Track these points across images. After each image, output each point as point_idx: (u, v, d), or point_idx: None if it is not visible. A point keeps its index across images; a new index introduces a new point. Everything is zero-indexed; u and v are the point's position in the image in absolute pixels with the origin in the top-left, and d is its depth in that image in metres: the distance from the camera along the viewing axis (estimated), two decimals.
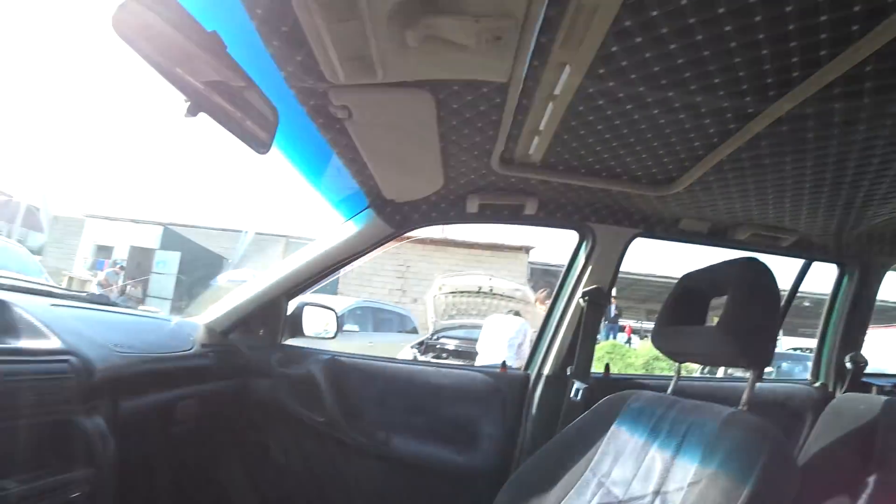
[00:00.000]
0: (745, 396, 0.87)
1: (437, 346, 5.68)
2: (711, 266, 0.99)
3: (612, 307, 9.41)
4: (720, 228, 1.47)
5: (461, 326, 5.76)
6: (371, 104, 0.87)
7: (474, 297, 5.86)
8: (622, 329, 12.04)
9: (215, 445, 1.34)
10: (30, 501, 0.68)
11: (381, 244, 1.38)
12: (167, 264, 14.51)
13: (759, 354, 0.85)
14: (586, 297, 1.43)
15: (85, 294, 1.36)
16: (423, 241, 12.18)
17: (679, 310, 1.04)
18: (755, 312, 0.85)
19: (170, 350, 1.17)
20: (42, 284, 1.37)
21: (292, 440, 1.42)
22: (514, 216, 1.41)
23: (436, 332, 6.03)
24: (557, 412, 1.42)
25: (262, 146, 0.76)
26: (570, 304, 1.47)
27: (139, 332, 1.16)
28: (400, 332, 8.35)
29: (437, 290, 5.91)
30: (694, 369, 4.67)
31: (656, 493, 0.84)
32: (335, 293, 10.31)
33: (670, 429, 0.91)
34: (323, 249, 1.36)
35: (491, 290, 5.77)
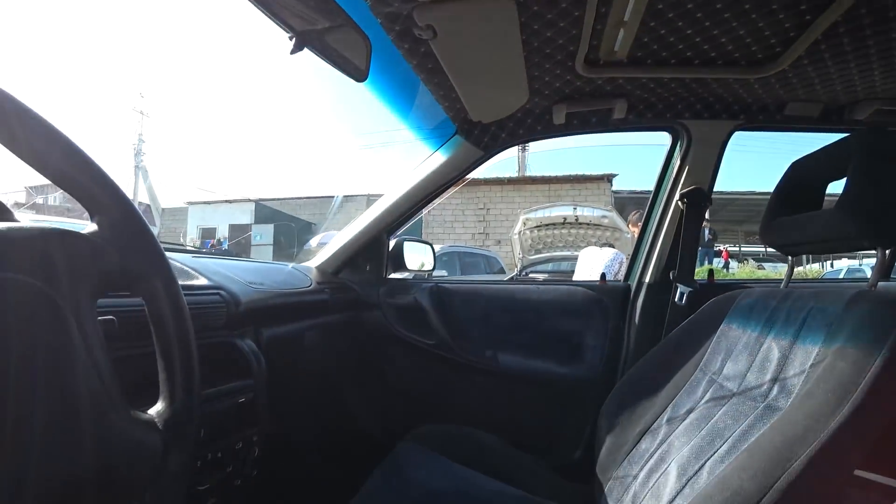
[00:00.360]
0: (872, 277, 0.79)
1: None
2: (825, 147, 0.89)
3: (707, 230, 8.81)
4: (835, 109, 1.32)
5: (549, 260, 5.70)
6: (454, 19, 0.88)
7: (560, 228, 5.73)
8: (718, 254, 11.35)
9: (337, 371, 1.49)
10: (213, 403, 0.81)
11: (472, 169, 1.40)
12: (263, 236, 15.72)
13: (888, 230, 0.76)
14: (685, 200, 1.37)
15: (213, 251, 1.54)
16: (500, 182, 12.08)
17: (790, 200, 0.95)
18: (883, 184, 0.75)
19: (293, 287, 1.30)
20: (178, 244, 1.57)
21: (405, 363, 1.55)
22: (602, 123, 1.36)
23: (524, 268, 5.98)
24: (661, 319, 1.40)
25: (360, 74, 0.80)
26: (669, 209, 1.42)
27: (265, 273, 1.30)
28: (487, 273, 8.50)
29: (522, 226, 5.84)
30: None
31: (774, 380, 0.80)
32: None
33: (787, 318, 0.85)
34: (416, 182, 1.41)
35: (577, 219, 5.60)
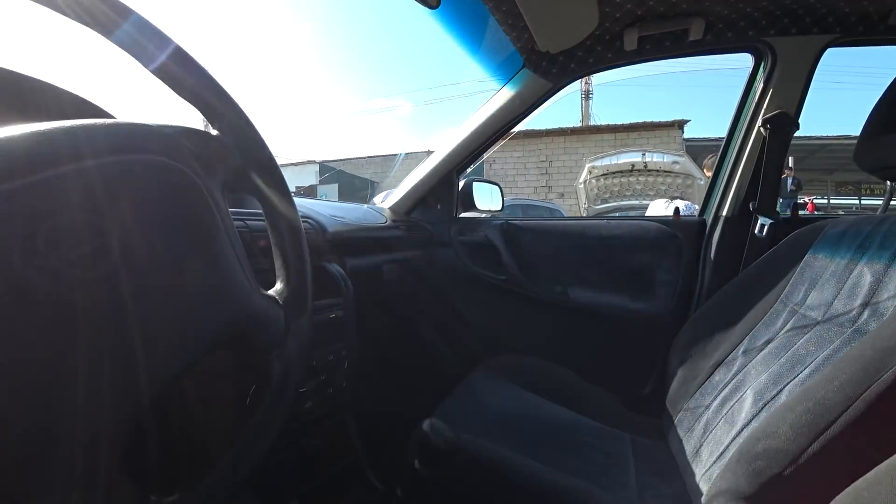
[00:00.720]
0: None
1: None
2: None
3: (790, 179, 8.09)
4: None
5: (616, 210, 5.53)
6: None
7: (628, 176, 5.51)
8: (802, 205, 10.47)
9: (413, 304, 1.57)
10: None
11: (541, 103, 1.39)
12: (328, 196, 16.26)
13: None
14: (768, 125, 1.29)
15: (293, 190, 1.64)
16: (563, 133, 11.68)
17: (892, 118, 0.85)
18: None
19: (373, 223, 1.38)
20: None
21: (477, 298, 1.60)
22: (677, 45, 1.29)
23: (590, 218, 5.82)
24: (738, 254, 1.35)
25: (433, 1, 0.83)
26: (749, 136, 1.34)
27: (345, 210, 1.38)
28: None
29: (587, 175, 5.67)
30: None
31: (865, 304, 0.76)
32: None
33: (882, 242, 0.80)
34: (484, 119, 1.43)
35: (646, 166, 5.36)
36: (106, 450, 0.30)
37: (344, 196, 16.07)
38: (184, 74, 0.45)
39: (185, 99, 0.47)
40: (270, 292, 0.51)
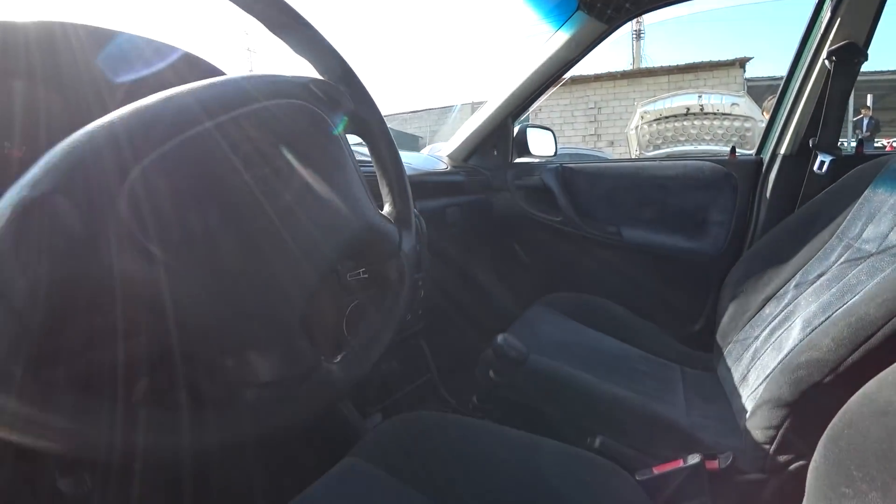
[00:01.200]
0: None
1: None
2: None
3: (866, 120, 7.48)
4: None
5: (669, 157, 5.31)
6: None
7: (682, 120, 5.25)
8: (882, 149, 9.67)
9: (473, 245, 1.66)
10: None
11: (595, 45, 1.40)
12: None
13: None
14: (833, 57, 1.24)
15: None
16: (613, 77, 11.19)
17: None
18: None
19: (435, 169, 1.47)
20: None
21: (534, 239, 1.68)
22: None
23: None
24: (796, 192, 1.34)
25: None
26: (813, 70, 1.30)
27: (409, 157, 1.47)
28: None
29: (639, 120, 5.45)
30: None
31: None
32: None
33: None
34: (538, 65, 1.45)
35: (702, 109, 5.07)
36: (294, 316, 0.42)
37: None
38: (303, 36, 0.55)
39: (303, 56, 0.57)
40: (384, 212, 0.62)
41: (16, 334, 0.27)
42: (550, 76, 1.47)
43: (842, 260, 0.91)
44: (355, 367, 0.49)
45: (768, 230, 1.20)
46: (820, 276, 0.95)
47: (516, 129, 1.66)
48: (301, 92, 0.49)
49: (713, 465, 0.70)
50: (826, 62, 1.27)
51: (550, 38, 1.44)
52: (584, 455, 0.62)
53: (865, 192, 0.96)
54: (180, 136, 0.36)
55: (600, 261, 1.60)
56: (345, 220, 0.50)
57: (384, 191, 0.63)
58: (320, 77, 0.57)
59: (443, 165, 1.55)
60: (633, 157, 5.63)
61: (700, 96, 5.09)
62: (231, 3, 0.48)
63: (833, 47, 1.25)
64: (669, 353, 1.24)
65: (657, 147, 5.43)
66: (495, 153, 1.67)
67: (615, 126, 11.27)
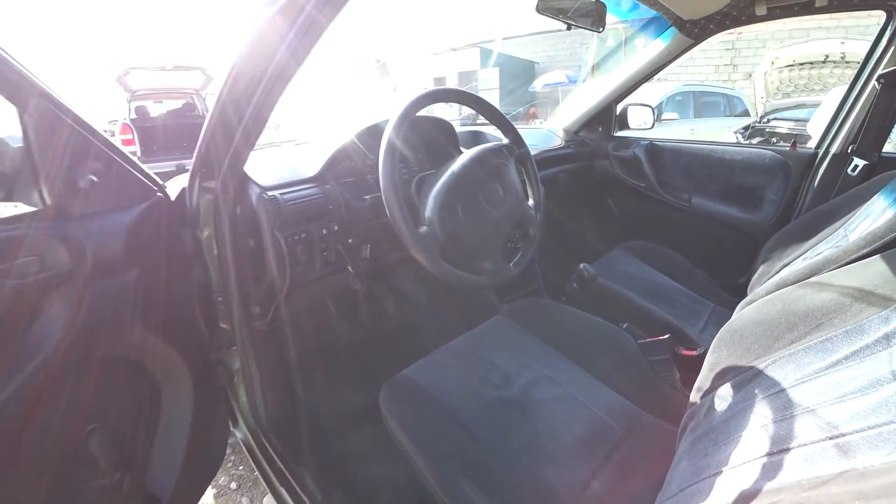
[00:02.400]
0: None
1: (766, 131, 5.11)
2: None
3: None
4: None
5: (798, 106, 5.05)
6: None
7: (819, 68, 4.83)
8: None
9: (576, 204, 2.21)
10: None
11: (683, 54, 1.79)
12: (489, 80, 16.41)
13: None
14: (881, 80, 1.48)
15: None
16: None
17: None
18: None
19: (550, 146, 2.02)
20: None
21: (623, 199, 2.18)
22: (805, 9, 1.52)
23: (766, 113, 5.45)
24: (833, 186, 1.61)
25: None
26: (866, 87, 1.57)
27: (533, 137, 2.03)
28: (727, 115, 7.77)
29: (770, 65, 5.11)
30: None
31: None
32: (652, 80, 9.98)
33: None
34: (639, 65, 1.89)
35: (843, 57, 4.60)
36: (500, 246, 1.08)
37: (505, 78, 16.12)
38: (498, 116, 1.17)
39: (494, 125, 1.18)
40: (530, 204, 1.23)
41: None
42: (646, 75, 1.91)
43: (837, 243, 1.09)
44: (515, 270, 1.14)
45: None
46: (818, 253, 1.12)
47: (619, 108, 2.12)
48: (505, 152, 1.12)
49: (691, 352, 1.27)
50: (875, 83, 1.53)
51: (649, 45, 1.86)
52: (618, 330, 1.22)
53: (873, 197, 1.11)
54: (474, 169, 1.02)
55: (672, 220, 2.07)
56: (516, 206, 1.13)
57: (530, 191, 1.24)
58: (506, 140, 1.18)
59: (559, 140, 2.08)
60: (759, 102, 5.41)
61: (843, 42, 4.62)
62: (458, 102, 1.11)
63: (884, 71, 1.50)
64: (709, 295, 1.67)
65: (787, 95, 5.12)
66: (600, 129, 2.16)
67: (756, 56, 10.33)
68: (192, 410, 1.02)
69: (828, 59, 4.70)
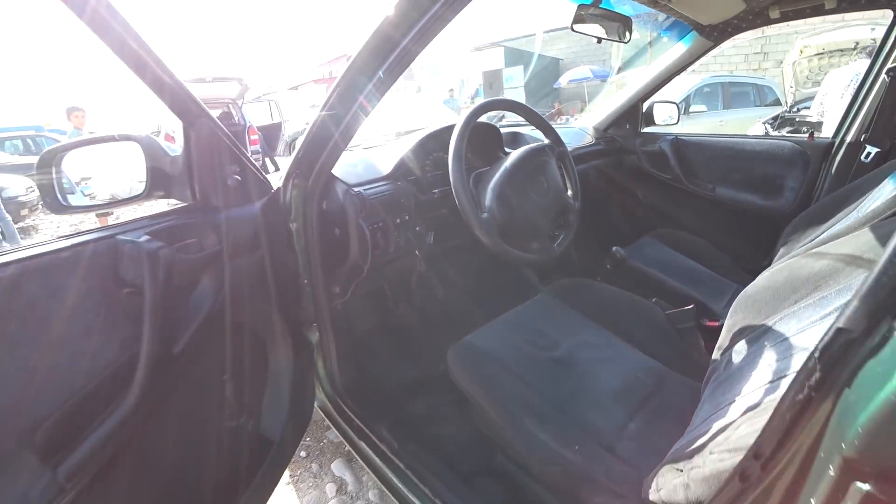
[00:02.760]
0: None
1: (797, 120, 5.13)
2: None
3: None
4: None
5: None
6: None
7: (850, 55, 4.79)
8: None
9: (607, 196, 2.37)
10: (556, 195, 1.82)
11: (703, 55, 1.94)
12: (514, 79, 16.50)
13: None
14: (890, 74, 1.59)
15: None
16: None
17: None
18: None
19: (582, 143, 2.19)
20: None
21: (650, 190, 2.34)
22: (816, 10, 1.63)
23: (796, 103, 5.47)
24: (848, 173, 1.73)
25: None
26: (876, 81, 1.68)
27: (566, 135, 2.20)
28: (757, 105, 7.71)
29: (798, 54, 5.10)
30: None
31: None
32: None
33: None
34: (663, 66, 2.05)
35: (875, 42, 4.55)
36: (547, 228, 1.28)
37: (529, 76, 16.19)
38: (541, 121, 1.36)
39: (537, 127, 1.38)
40: (569, 194, 1.42)
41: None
42: (669, 75, 2.07)
43: (850, 224, 1.13)
44: (558, 250, 1.33)
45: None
46: (834, 234, 1.15)
47: (646, 106, 2.28)
48: (550, 151, 1.31)
49: (714, 323, 1.43)
50: (885, 77, 1.65)
51: (671, 49, 2.02)
52: (648, 303, 1.39)
53: (882, 181, 1.17)
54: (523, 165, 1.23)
55: (697, 209, 2.22)
56: (557, 196, 1.32)
57: (568, 184, 1.43)
58: (548, 140, 1.38)
59: (589, 138, 2.26)
60: (788, 92, 5.40)
61: (874, 28, 4.56)
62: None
63: (891, 66, 1.63)
64: (733, 276, 1.81)
65: (816, 84, 5.07)
66: (627, 126, 2.32)
67: (786, 43, 10.17)
68: (291, 372, 1.24)
69: (857, 47, 4.66)
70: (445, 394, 1.41)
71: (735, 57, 11.54)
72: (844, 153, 1.79)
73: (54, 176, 0.80)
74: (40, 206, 7.29)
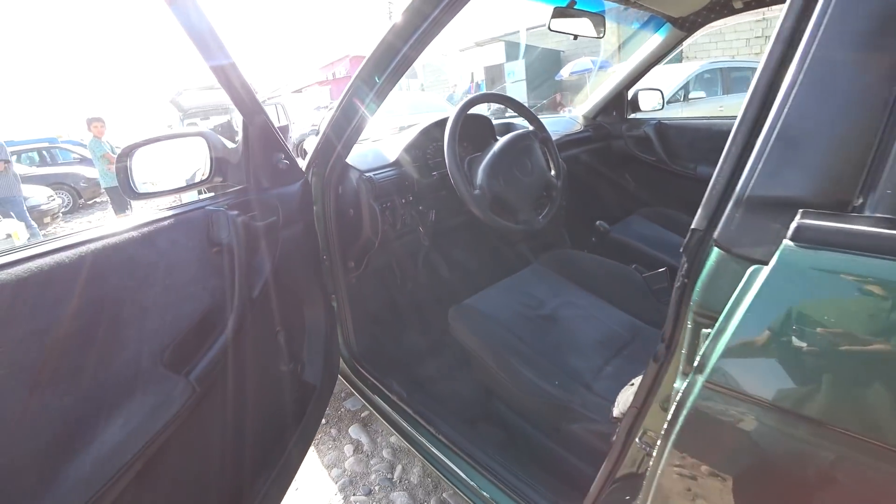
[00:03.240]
0: None
1: None
2: None
3: None
4: None
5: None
6: None
7: None
8: None
9: (597, 179, 2.54)
10: (541, 175, 1.99)
11: (680, 44, 2.10)
12: (515, 73, 16.59)
13: None
14: None
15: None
16: None
17: None
18: None
19: (572, 131, 2.36)
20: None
21: (637, 172, 2.51)
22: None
23: None
24: None
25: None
26: None
27: (556, 124, 2.38)
28: None
29: None
30: None
31: None
32: (679, 61, 10.01)
33: None
34: (643, 56, 2.21)
35: None
36: (532, 201, 1.46)
37: (531, 70, 16.28)
38: (529, 114, 1.54)
39: (524, 119, 1.56)
40: (552, 174, 1.60)
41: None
42: (648, 65, 2.23)
43: None
44: (543, 222, 1.51)
45: None
46: None
47: (631, 93, 2.44)
48: (532, 136, 1.49)
49: None
50: None
51: (651, 38, 2.18)
52: (627, 269, 1.57)
53: None
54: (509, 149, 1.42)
55: (680, 187, 2.38)
56: (541, 175, 1.50)
57: (551, 164, 1.61)
58: (531, 127, 1.55)
59: (579, 125, 2.43)
60: None
61: None
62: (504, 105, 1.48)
63: None
64: None
65: None
66: (614, 113, 2.49)
67: None
68: (324, 329, 1.43)
69: None
70: (448, 357, 1.60)
71: (736, 42, 11.57)
72: None
73: (129, 167, 1.00)
74: (60, 214, 7.59)
